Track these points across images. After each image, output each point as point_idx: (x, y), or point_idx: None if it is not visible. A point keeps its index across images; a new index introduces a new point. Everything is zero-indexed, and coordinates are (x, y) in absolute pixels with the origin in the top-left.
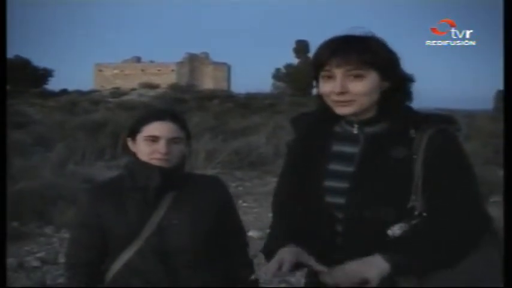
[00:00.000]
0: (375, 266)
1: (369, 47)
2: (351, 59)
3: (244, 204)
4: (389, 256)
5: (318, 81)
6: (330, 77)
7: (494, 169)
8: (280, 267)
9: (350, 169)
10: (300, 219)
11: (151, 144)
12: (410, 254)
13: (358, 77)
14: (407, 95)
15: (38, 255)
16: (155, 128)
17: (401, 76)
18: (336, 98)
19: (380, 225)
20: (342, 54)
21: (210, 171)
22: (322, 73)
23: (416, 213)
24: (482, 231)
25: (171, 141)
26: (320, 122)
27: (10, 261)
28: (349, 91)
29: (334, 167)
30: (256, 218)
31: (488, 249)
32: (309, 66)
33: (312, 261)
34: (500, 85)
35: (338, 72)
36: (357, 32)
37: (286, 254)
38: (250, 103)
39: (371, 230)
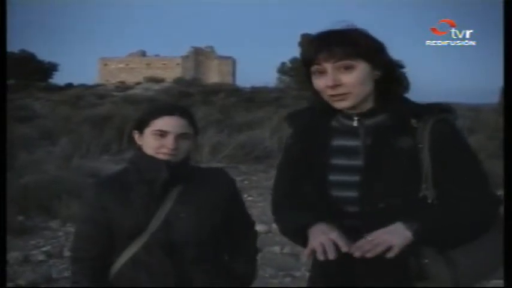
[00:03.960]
0: (398, 234)
1: (353, 38)
2: (338, 52)
3: (249, 198)
4: (409, 224)
5: (310, 78)
6: (322, 72)
7: (498, 163)
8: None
9: (357, 162)
10: (303, 214)
11: (159, 138)
12: (429, 225)
13: (348, 68)
14: (401, 82)
15: (44, 249)
16: (164, 123)
17: (389, 63)
18: (331, 92)
19: (394, 216)
20: (327, 48)
21: (215, 165)
22: (313, 69)
23: (429, 201)
24: (495, 211)
25: (180, 136)
26: (316, 118)
27: (16, 255)
28: (342, 83)
29: (338, 161)
30: (261, 212)
31: (495, 233)
32: (301, 64)
33: (340, 239)
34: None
35: (328, 66)
36: (340, 26)
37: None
38: (255, 97)
39: (385, 222)
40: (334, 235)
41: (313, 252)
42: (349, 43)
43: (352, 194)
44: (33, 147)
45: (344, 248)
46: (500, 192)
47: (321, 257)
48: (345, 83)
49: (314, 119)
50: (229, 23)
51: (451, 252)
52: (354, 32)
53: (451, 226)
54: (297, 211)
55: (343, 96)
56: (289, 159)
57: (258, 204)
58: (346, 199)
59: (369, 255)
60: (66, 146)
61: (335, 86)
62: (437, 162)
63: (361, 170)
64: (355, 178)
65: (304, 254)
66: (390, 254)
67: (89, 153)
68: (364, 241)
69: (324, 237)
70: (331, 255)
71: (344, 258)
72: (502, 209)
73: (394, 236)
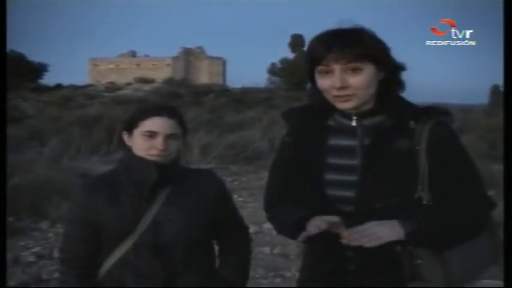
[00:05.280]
0: (390, 229)
1: (363, 40)
2: (348, 54)
3: (240, 199)
4: (405, 223)
5: (312, 76)
6: (328, 72)
7: (488, 163)
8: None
9: (354, 162)
10: (301, 209)
11: (148, 139)
12: (424, 226)
13: (356, 70)
14: (402, 84)
15: (34, 250)
16: (153, 124)
17: (393, 65)
18: (336, 93)
19: (389, 217)
20: (339, 49)
21: (205, 166)
22: (319, 68)
23: (424, 202)
24: (488, 215)
25: (169, 137)
26: (313, 116)
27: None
28: (349, 85)
29: (335, 160)
30: (251, 213)
31: (485, 234)
32: (304, 61)
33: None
34: (496, 81)
35: (336, 68)
36: (346, 25)
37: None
38: (245, 97)
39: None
40: (328, 217)
41: (308, 237)
42: (359, 45)
43: (348, 193)
44: (22, 148)
45: (335, 220)
46: (491, 193)
47: (312, 231)
48: (352, 85)
49: (310, 118)
50: (219, 23)
51: (444, 253)
52: (363, 34)
53: (446, 228)
54: (294, 207)
55: (348, 97)
56: (285, 157)
57: (249, 205)
58: (342, 198)
59: (353, 243)
60: (56, 146)
61: (342, 87)
62: (434, 164)
63: (358, 170)
64: (352, 178)
65: (301, 236)
66: (372, 243)
67: (79, 154)
68: (354, 229)
69: (317, 220)
70: (323, 225)
71: (335, 258)
72: (495, 212)
73: (385, 230)
